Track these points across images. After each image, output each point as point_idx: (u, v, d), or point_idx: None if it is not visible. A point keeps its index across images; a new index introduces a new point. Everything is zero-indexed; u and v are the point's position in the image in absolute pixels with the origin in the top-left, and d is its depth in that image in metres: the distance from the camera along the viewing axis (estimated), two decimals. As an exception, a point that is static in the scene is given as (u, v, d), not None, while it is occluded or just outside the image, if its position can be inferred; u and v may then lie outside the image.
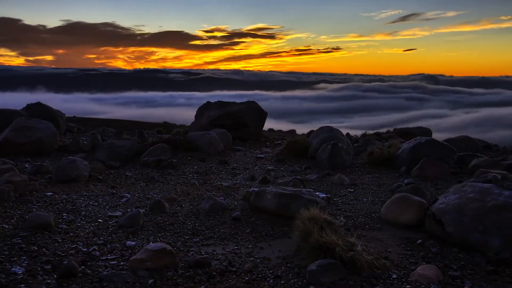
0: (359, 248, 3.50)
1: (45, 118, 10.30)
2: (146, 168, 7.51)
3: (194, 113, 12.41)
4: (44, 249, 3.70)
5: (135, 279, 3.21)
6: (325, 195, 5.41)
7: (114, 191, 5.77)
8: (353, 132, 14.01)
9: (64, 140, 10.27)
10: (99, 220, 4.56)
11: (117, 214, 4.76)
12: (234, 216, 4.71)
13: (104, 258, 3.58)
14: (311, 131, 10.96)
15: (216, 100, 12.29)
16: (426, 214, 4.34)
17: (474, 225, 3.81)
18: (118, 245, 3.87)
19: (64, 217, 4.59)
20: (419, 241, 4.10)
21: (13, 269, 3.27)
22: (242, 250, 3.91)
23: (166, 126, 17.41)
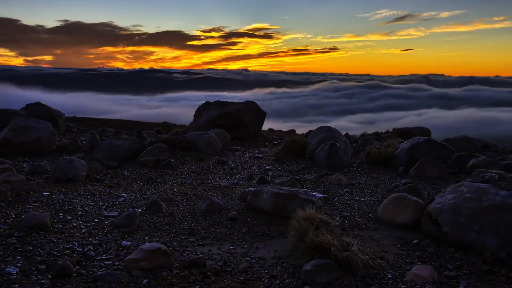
0: (354, 248, 3.49)
1: (44, 118, 10.30)
2: (144, 168, 7.50)
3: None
4: (39, 249, 3.69)
5: (129, 279, 3.20)
6: (322, 195, 5.41)
7: (111, 191, 5.77)
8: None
9: (63, 140, 10.27)
10: (95, 220, 4.56)
11: (114, 214, 4.76)
12: (231, 216, 4.71)
13: (99, 258, 3.58)
14: (310, 131, 10.95)
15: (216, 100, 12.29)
16: (422, 214, 4.34)
17: (470, 225, 3.80)
18: (113, 245, 3.86)
19: (60, 217, 4.59)
20: (415, 241, 4.09)
21: (7, 269, 3.27)
22: (238, 250, 3.90)
23: (166, 126, 17.42)
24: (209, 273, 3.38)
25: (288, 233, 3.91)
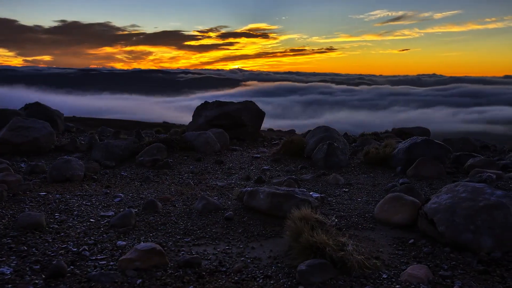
0: (349, 248, 3.49)
1: (43, 118, 10.31)
2: (142, 168, 7.50)
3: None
4: (34, 249, 3.69)
5: (123, 279, 3.20)
6: (319, 195, 5.40)
7: (108, 191, 5.77)
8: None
9: (62, 140, 10.27)
10: (91, 220, 4.55)
11: (110, 214, 4.75)
12: (227, 216, 4.70)
13: (93, 258, 3.57)
14: (309, 131, 10.94)
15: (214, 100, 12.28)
16: (418, 213, 4.33)
17: (466, 225, 3.80)
18: (108, 245, 3.86)
19: (56, 217, 4.58)
20: (411, 241, 4.08)
21: (1, 269, 3.26)
22: (233, 250, 3.90)
23: (165, 126, 17.43)
24: (204, 273, 3.37)
25: (283, 233, 3.90)
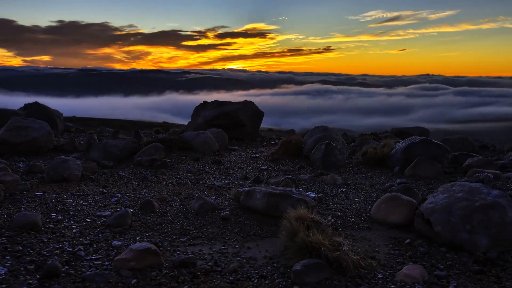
0: (345, 248, 3.48)
1: (42, 118, 10.31)
2: (140, 167, 7.49)
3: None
4: (29, 249, 3.68)
5: (118, 279, 3.19)
6: (316, 195, 5.39)
7: (105, 191, 5.76)
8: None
9: (61, 140, 10.27)
10: (87, 219, 4.55)
11: (106, 213, 4.75)
12: (223, 216, 4.69)
13: (89, 258, 3.57)
14: (307, 131, 10.93)
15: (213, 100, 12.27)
16: (415, 213, 4.32)
17: (462, 224, 3.79)
18: (104, 245, 3.85)
19: (52, 216, 4.58)
20: (408, 241, 4.08)
21: (-5, 269, 3.26)
22: (229, 250, 3.89)
23: (165, 126, 17.43)
24: (199, 273, 3.36)
25: (279, 233, 3.89)
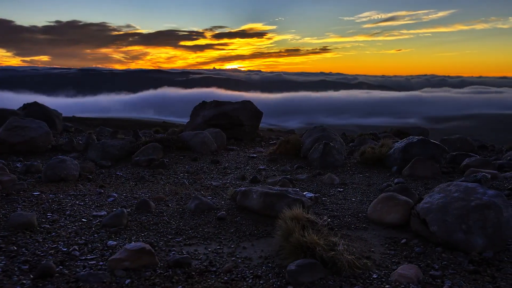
0: (340, 248, 3.47)
1: (41, 118, 10.32)
2: (138, 167, 7.49)
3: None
4: (23, 249, 3.67)
5: (112, 279, 3.19)
6: (313, 195, 5.38)
7: (102, 191, 5.75)
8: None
9: (60, 139, 10.27)
10: (83, 219, 4.54)
11: (102, 213, 4.74)
12: (219, 216, 4.69)
13: (83, 258, 3.56)
14: (306, 131, 10.92)
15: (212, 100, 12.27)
16: (411, 213, 4.31)
17: (457, 224, 3.78)
18: (99, 245, 3.85)
19: (48, 216, 4.57)
20: (403, 240, 4.06)
21: (-11, 269, 3.25)
22: (225, 249, 3.88)
23: (164, 126, 17.42)
24: (193, 273, 3.35)
25: (275, 233, 3.89)
